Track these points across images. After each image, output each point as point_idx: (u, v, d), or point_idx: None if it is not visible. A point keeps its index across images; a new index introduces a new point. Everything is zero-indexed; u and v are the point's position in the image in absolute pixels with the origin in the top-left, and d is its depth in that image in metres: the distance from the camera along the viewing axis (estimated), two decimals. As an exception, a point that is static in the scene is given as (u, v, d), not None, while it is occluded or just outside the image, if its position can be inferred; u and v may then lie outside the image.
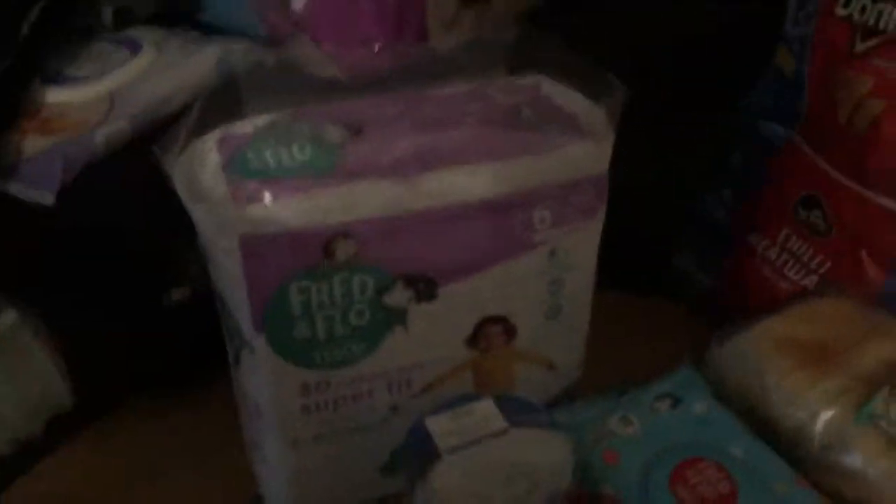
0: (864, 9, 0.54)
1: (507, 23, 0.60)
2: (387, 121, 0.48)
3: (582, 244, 0.50)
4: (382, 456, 0.53)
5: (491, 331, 0.51)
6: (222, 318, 0.51)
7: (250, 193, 0.43)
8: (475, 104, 0.49)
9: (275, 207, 0.43)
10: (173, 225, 0.56)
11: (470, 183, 0.45)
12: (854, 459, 0.45)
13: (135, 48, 0.54)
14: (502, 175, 0.46)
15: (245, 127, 0.48)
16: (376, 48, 0.56)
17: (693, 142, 0.69)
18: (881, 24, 0.53)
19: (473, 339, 0.50)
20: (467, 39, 0.55)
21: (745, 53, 0.64)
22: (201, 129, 0.47)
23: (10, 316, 0.57)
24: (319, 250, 0.44)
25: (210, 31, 0.59)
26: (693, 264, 0.70)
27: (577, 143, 0.47)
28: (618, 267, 0.54)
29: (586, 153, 0.47)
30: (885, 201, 0.54)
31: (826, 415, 0.47)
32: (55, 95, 0.50)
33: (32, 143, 0.47)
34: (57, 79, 0.52)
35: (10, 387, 0.57)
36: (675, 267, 0.71)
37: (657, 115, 0.60)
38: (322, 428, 0.50)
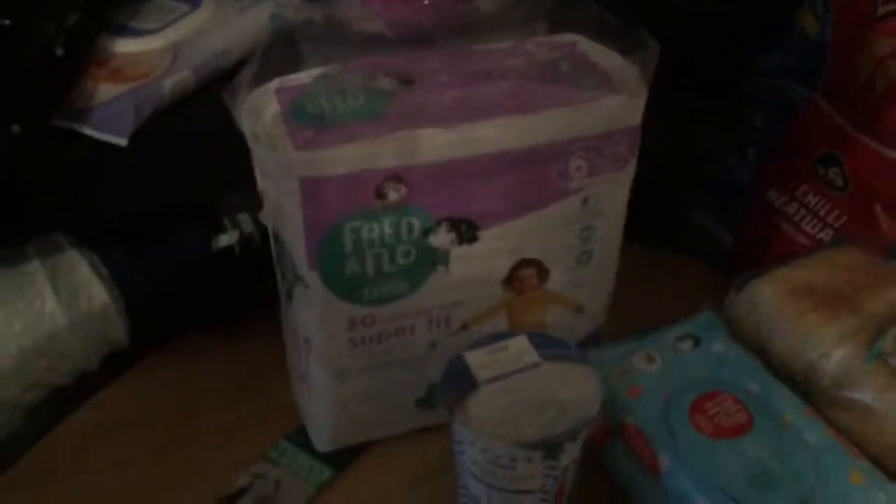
0: (887, -26, 0.56)
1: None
2: (434, 73, 0.51)
3: (613, 193, 0.53)
4: (420, 390, 0.57)
5: (525, 273, 0.54)
6: (276, 258, 0.54)
7: (309, 138, 0.46)
8: (516, 59, 0.52)
9: (332, 152, 0.46)
10: (225, 173, 0.60)
11: (511, 133, 0.49)
12: (863, 394, 0.48)
13: (194, 3, 0.57)
14: (541, 126, 0.49)
15: (301, 78, 0.51)
16: (421, 5, 0.59)
17: (713, 103, 0.72)
18: (903, -11, 0.56)
19: (509, 281, 0.54)
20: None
21: (765, 16, 0.67)
22: (260, 79, 0.50)
23: (72, 256, 0.61)
24: (372, 192, 0.47)
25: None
26: (713, 220, 0.73)
27: (611, 96, 0.50)
28: (635, 220, 0.58)
29: (620, 106, 0.50)
30: (890, 152, 0.57)
31: (838, 353, 0.50)
32: (122, 46, 0.54)
33: (105, 90, 0.51)
34: (123, 31, 0.55)
35: (72, 322, 0.61)
36: (694, 223, 0.74)
37: (678, 77, 0.62)
38: (366, 360, 0.54)
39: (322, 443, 0.58)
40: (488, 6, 0.60)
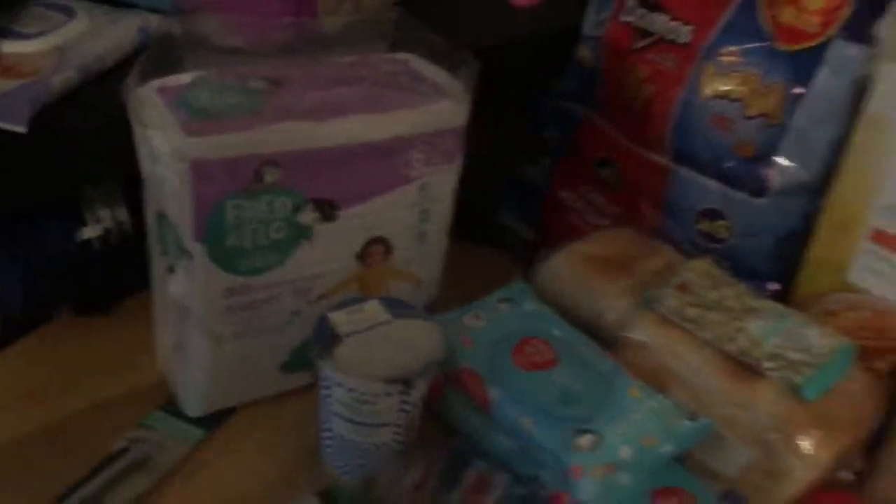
0: (642, 16, 0.73)
1: (384, 7, 0.74)
2: (297, 78, 0.61)
3: (444, 182, 0.65)
4: (284, 355, 0.66)
5: (375, 249, 0.65)
6: (156, 238, 0.61)
7: (196, 127, 0.55)
8: (364, 70, 0.63)
9: (218, 138, 0.55)
10: (92, 171, 0.66)
11: (367, 128, 0.59)
12: (638, 334, 0.63)
13: (69, 13, 0.63)
14: (390, 123, 0.60)
15: (181, 79, 0.59)
16: (275, 24, 0.69)
17: (516, 121, 0.87)
18: (653, 28, 0.72)
19: (361, 256, 0.64)
20: (351, 20, 0.69)
21: (555, 50, 0.82)
22: (145, 79, 0.58)
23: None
24: (252, 174, 0.56)
25: (125, 5, 0.69)
26: (516, 219, 0.87)
27: (442, 101, 0.62)
28: (455, 223, 0.70)
29: (450, 109, 0.62)
30: (656, 158, 0.73)
31: (619, 304, 0.65)
32: (9, 47, 0.59)
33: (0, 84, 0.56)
34: (9, 34, 0.60)
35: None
36: (501, 223, 0.88)
37: (486, 100, 0.75)
38: (240, 327, 0.62)
39: (194, 408, 0.65)
40: (332, 28, 0.71)
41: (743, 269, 0.70)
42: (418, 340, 0.60)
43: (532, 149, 0.85)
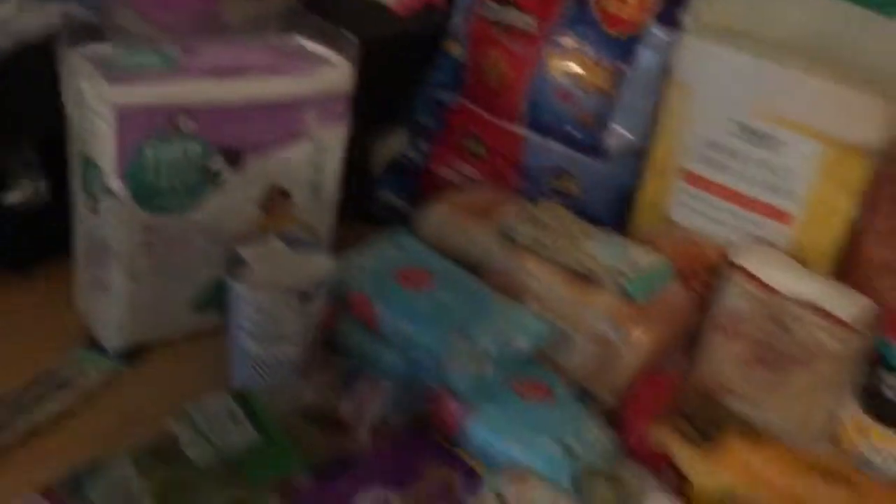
0: (496, 11, 0.88)
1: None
2: (206, 49, 0.71)
3: (334, 139, 0.76)
4: (196, 293, 0.75)
5: (276, 197, 0.75)
6: (80, 182, 0.70)
7: (120, 78, 0.64)
8: (261, 45, 0.75)
9: (139, 88, 0.65)
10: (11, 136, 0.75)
11: (266, 88, 0.71)
12: (498, 262, 0.75)
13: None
14: (286, 84, 0.71)
15: (104, 48, 0.69)
16: (181, 14, 0.79)
17: (394, 108, 0.99)
18: (505, 20, 0.87)
19: (264, 205, 0.75)
20: (251, 12, 0.80)
21: (430, 44, 0.95)
22: (73, 46, 0.67)
23: None
24: (168, 121, 0.66)
25: None
26: (397, 197, 0.99)
27: (330, 69, 0.74)
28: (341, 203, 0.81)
29: (337, 76, 0.74)
30: (513, 128, 0.87)
31: (484, 240, 0.77)
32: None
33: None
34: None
35: None
36: (381, 199, 0.99)
37: (368, 92, 0.87)
38: (155, 262, 0.71)
39: (113, 341, 0.73)
40: (234, 19, 0.82)
41: (590, 219, 0.84)
42: (314, 267, 0.71)
43: (410, 133, 0.98)
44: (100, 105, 0.64)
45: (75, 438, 0.65)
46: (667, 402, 0.69)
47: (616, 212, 0.85)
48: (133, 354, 0.73)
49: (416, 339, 0.68)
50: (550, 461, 0.62)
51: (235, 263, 0.69)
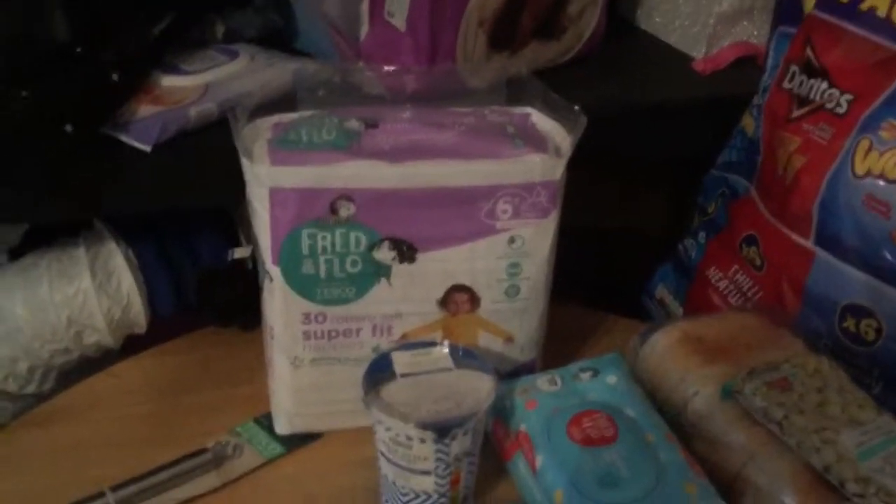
0: (801, 83, 0.66)
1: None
2: (398, 121, 0.63)
3: (538, 237, 0.63)
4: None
5: (458, 297, 0.64)
6: (256, 259, 0.66)
7: (281, 158, 0.59)
8: (469, 118, 0.64)
9: (296, 169, 0.58)
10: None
11: (446, 173, 0.60)
12: (717, 428, 0.55)
13: (233, 55, 0.72)
14: (471, 170, 0.60)
15: (294, 116, 0.64)
16: (415, 75, 0.72)
17: (679, 194, 0.81)
18: (811, 96, 0.65)
19: (444, 302, 0.64)
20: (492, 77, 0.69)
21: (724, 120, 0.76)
22: (263, 113, 0.63)
23: (111, 247, 0.75)
24: (327, 206, 0.59)
25: (297, 54, 0.77)
26: (670, 294, 0.81)
27: (532, 154, 0.61)
28: (609, 295, 0.67)
29: (541, 162, 0.61)
30: (798, 239, 0.65)
31: (706, 391, 0.58)
32: (167, 80, 0.69)
33: (144, 110, 0.65)
34: (171, 69, 0.70)
35: (101, 300, 0.74)
36: (656, 297, 0.82)
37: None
38: (318, 353, 0.64)
39: (281, 426, 0.68)
40: (472, 84, 0.72)
41: (892, 379, 0.59)
42: (471, 393, 0.59)
43: (692, 222, 0.80)
44: (255, 184, 0.59)
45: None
46: None
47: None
48: (300, 439, 0.68)
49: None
50: None
51: (382, 372, 0.60)
